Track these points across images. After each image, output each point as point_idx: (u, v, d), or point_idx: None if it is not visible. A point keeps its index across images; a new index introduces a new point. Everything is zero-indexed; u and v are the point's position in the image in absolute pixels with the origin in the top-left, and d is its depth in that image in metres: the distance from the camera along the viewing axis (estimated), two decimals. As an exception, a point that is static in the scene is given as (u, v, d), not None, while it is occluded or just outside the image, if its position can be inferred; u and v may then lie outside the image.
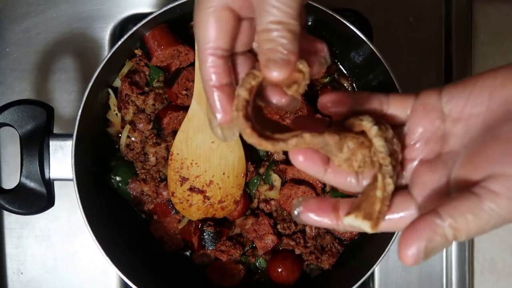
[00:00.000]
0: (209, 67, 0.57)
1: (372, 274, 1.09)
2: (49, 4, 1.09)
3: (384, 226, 0.57)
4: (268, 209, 1.00)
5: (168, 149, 0.96)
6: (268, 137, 0.54)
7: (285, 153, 1.00)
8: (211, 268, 1.01)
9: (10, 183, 1.06)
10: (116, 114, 1.00)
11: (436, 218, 0.50)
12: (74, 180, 0.88)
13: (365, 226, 0.56)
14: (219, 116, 0.58)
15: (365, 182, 0.60)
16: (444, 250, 1.09)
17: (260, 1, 0.54)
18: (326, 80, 1.01)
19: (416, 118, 0.58)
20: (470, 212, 0.50)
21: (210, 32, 0.57)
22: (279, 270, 0.99)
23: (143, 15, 0.92)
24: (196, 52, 0.87)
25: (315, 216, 0.58)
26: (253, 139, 0.53)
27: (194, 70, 0.89)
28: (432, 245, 0.51)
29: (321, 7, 0.87)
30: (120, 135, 1.00)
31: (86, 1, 1.09)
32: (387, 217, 0.57)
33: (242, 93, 0.55)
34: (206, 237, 0.97)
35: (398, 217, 0.57)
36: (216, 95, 0.57)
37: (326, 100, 0.59)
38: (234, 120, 0.55)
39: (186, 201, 0.96)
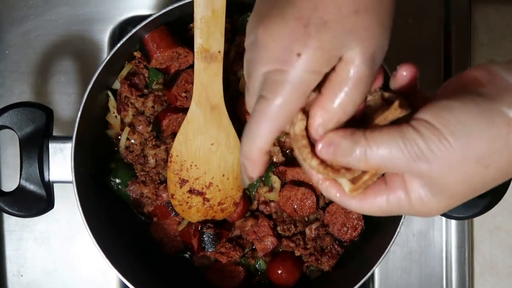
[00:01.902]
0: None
1: (372, 275, 1.09)
2: (48, 6, 1.09)
3: (357, 199, 0.62)
4: (268, 211, 1.00)
5: (167, 151, 0.96)
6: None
7: (284, 154, 1.00)
8: (211, 270, 1.01)
9: (9, 186, 1.06)
10: (116, 116, 1.00)
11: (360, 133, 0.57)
12: (74, 182, 0.88)
13: (346, 186, 0.60)
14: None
15: None
16: (445, 251, 1.09)
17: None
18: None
19: None
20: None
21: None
22: (279, 272, 0.99)
23: (142, 17, 0.92)
24: (195, 54, 0.87)
25: None
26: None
27: (193, 72, 0.89)
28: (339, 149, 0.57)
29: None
30: (119, 137, 1.00)
31: (85, 3, 1.09)
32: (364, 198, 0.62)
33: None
34: (205, 239, 0.97)
35: (371, 200, 0.62)
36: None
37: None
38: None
39: (185, 203, 0.96)
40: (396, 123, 0.58)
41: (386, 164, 0.57)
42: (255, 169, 0.63)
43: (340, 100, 0.57)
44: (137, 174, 1.00)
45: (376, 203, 0.62)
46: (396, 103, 0.58)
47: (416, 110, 0.59)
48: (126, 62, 0.98)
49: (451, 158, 0.55)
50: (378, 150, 0.56)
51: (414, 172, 0.57)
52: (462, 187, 0.57)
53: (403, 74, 0.62)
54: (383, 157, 0.56)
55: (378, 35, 0.57)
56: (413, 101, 0.61)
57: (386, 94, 0.61)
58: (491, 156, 0.55)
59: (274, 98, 0.57)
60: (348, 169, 0.59)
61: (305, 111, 0.59)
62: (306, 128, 0.60)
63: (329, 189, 0.63)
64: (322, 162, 0.59)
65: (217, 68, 0.87)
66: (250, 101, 0.62)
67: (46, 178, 0.89)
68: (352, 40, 0.56)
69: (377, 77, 0.61)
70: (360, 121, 0.62)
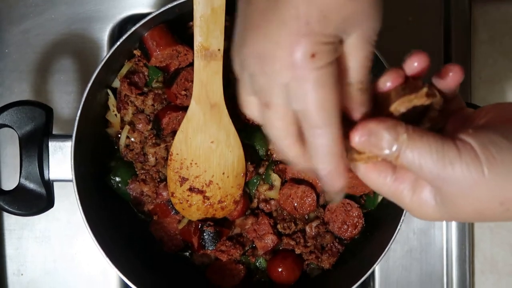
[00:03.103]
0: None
1: (373, 273, 1.09)
2: (48, 5, 1.09)
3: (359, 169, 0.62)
4: (268, 209, 1.00)
5: (167, 149, 0.96)
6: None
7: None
8: (211, 269, 1.01)
9: (9, 184, 1.06)
10: (115, 114, 1.00)
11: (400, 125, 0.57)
12: (74, 181, 0.88)
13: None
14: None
15: None
16: (445, 249, 1.09)
17: None
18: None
19: None
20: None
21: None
22: (279, 270, 0.99)
23: (141, 16, 0.92)
24: (195, 52, 0.87)
25: None
26: None
27: (193, 70, 0.89)
28: (374, 140, 0.57)
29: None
30: (119, 135, 1.00)
31: (85, 2, 1.09)
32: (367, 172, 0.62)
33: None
34: (206, 237, 0.97)
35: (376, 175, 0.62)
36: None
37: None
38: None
39: (185, 201, 0.96)
40: (424, 114, 0.59)
41: (414, 167, 0.57)
42: (341, 177, 0.61)
43: (360, 78, 0.59)
44: (137, 173, 1.00)
45: (379, 181, 0.61)
46: (425, 90, 0.58)
47: (449, 114, 0.60)
48: (126, 61, 0.98)
49: (478, 191, 0.55)
50: (414, 154, 0.56)
51: (434, 184, 0.57)
52: (472, 214, 0.58)
53: (414, 65, 0.62)
54: (414, 162, 0.56)
55: (373, 14, 0.57)
56: (450, 104, 0.62)
57: (417, 81, 0.61)
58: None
59: (313, 107, 0.56)
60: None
61: None
62: None
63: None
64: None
65: (217, 66, 0.87)
66: (272, 116, 0.60)
67: (46, 177, 0.89)
68: (351, 26, 0.56)
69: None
70: (381, 100, 0.61)
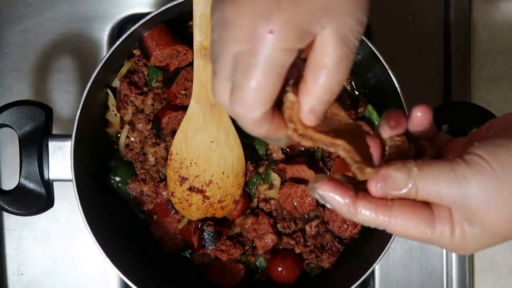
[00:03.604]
0: None
1: (373, 272, 1.09)
2: (47, 4, 1.09)
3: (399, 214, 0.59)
4: (268, 208, 1.00)
5: (167, 149, 0.96)
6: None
7: (284, 152, 1.00)
8: (211, 268, 1.01)
9: (9, 184, 1.06)
10: (115, 114, 1.00)
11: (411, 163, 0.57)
12: (74, 180, 0.88)
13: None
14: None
15: None
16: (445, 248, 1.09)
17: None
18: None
19: None
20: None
21: None
22: (279, 269, 0.99)
23: (141, 15, 0.92)
24: (195, 52, 0.87)
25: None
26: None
27: (192, 69, 0.89)
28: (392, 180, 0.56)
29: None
30: (119, 135, 1.00)
31: (84, 2, 1.09)
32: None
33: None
34: (206, 236, 0.97)
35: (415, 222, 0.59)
36: None
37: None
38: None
39: (185, 201, 0.96)
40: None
41: (433, 197, 0.56)
42: (273, 130, 0.58)
43: (323, 83, 0.55)
44: (137, 172, 1.00)
45: (418, 228, 0.59)
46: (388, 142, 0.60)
47: (441, 151, 0.60)
48: (126, 60, 0.98)
49: (499, 196, 0.54)
50: (429, 183, 0.56)
51: (459, 207, 0.56)
52: (506, 224, 0.56)
53: (418, 115, 0.61)
54: (431, 191, 0.56)
55: (350, 11, 0.55)
56: (436, 140, 0.62)
57: (397, 139, 0.61)
58: None
59: (248, 84, 0.54)
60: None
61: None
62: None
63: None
64: (307, 128, 0.57)
65: (217, 66, 0.87)
66: (219, 85, 0.57)
67: (46, 177, 0.89)
68: (323, 16, 0.53)
69: (399, 122, 0.61)
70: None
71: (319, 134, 0.57)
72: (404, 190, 0.56)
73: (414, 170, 0.56)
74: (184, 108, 0.93)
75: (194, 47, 0.86)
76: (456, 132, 0.85)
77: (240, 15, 0.53)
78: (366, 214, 0.58)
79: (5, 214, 1.09)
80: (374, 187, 0.58)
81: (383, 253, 0.89)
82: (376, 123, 0.97)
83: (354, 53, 0.56)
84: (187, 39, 0.95)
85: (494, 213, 0.55)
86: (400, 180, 0.57)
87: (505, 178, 0.54)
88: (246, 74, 0.54)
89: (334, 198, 0.58)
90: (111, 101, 0.99)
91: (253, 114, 0.55)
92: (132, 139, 0.99)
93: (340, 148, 0.57)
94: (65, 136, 0.90)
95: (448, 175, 0.55)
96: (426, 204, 0.58)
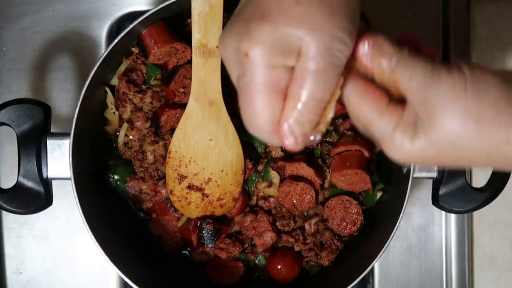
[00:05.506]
0: None
1: (372, 270, 1.09)
2: (45, 3, 1.09)
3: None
4: (267, 206, 1.00)
5: (166, 147, 0.96)
6: None
7: (283, 149, 1.00)
8: (210, 266, 1.01)
9: (7, 183, 1.06)
10: (114, 112, 1.00)
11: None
12: (72, 179, 0.88)
13: None
14: None
15: None
16: (444, 246, 1.09)
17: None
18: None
19: None
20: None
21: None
22: (279, 267, 0.99)
23: (139, 13, 0.92)
24: (193, 49, 0.87)
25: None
26: None
27: (191, 67, 0.89)
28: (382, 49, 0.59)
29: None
30: (118, 133, 1.00)
31: (83, 0, 1.09)
32: None
33: None
34: (205, 234, 0.97)
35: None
36: None
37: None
38: None
39: (184, 199, 0.96)
40: None
41: (405, 79, 0.58)
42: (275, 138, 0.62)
43: (308, 94, 0.57)
44: (136, 171, 0.99)
45: (369, 106, 0.61)
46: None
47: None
48: (124, 58, 0.98)
49: (456, 106, 0.57)
50: (408, 67, 0.58)
51: (418, 99, 0.58)
52: (448, 138, 0.58)
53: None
54: (406, 74, 0.58)
55: (329, 25, 0.56)
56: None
57: None
58: (485, 123, 0.57)
59: (248, 105, 0.58)
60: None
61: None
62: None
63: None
64: None
65: (215, 63, 0.87)
66: None
67: (44, 175, 0.89)
68: (298, 29, 0.55)
69: None
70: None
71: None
72: (385, 63, 0.59)
73: (405, 51, 0.59)
74: (183, 106, 0.93)
75: (193, 45, 0.86)
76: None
77: (224, 49, 0.60)
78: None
79: (3, 212, 1.09)
80: (362, 46, 0.59)
81: (382, 250, 0.89)
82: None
83: (336, 66, 0.57)
84: (185, 37, 0.95)
85: (444, 124, 0.58)
86: (388, 50, 0.59)
87: (470, 94, 0.57)
88: (245, 96, 0.59)
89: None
90: (110, 99, 0.99)
91: (262, 135, 0.60)
92: (130, 137, 0.99)
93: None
94: (63, 135, 0.89)
95: (429, 68, 0.58)
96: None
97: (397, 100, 0.61)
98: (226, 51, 0.59)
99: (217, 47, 0.81)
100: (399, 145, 0.60)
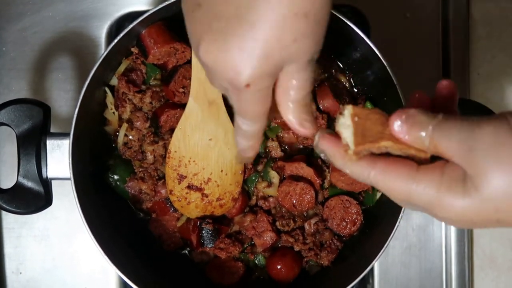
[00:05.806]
0: None
1: (372, 270, 1.09)
2: (45, 3, 1.09)
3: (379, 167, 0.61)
4: (267, 206, 1.00)
5: (165, 147, 0.96)
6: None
7: (283, 149, 1.00)
8: (210, 266, 1.01)
9: (7, 183, 1.06)
10: (113, 112, 1.00)
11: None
12: (72, 179, 0.88)
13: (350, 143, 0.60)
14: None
15: None
16: (444, 245, 1.08)
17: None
18: (324, 76, 1.01)
19: None
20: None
21: None
22: (278, 267, 0.99)
23: (139, 13, 0.92)
24: (193, 50, 0.86)
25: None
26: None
27: (191, 67, 0.89)
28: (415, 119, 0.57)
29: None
30: (117, 133, 1.00)
31: (82, 0, 1.09)
32: None
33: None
34: (205, 234, 0.97)
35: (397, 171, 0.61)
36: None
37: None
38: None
39: (184, 199, 0.96)
40: None
41: (444, 144, 0.56)
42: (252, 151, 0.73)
43: (296, 102, 0.65)
44: (136, 171, 0.99)
45: (400, 178, 0.59)
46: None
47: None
48: (124, 58, 0.98)
49: (506, 150, 0.53)
50: (445, 129, 0.56)
51: (461, 154, 0.56)
52: (503, 186, 0.54)
53: (443, 84, 0.65)
54: (444, 137, 0.56)
55: (312, 47, 0.60)
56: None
57: None
58: None
59: (243, 118, 0.67)
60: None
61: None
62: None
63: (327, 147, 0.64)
64: None
65: (215, 63, 0.87)
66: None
67: (44, 175, 0.89)
68: (289, 60, 0.60)
69: None
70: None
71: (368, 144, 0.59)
72: (423, 133, 0.57)
73: (439, 117, 0.57)
74: (183, 106, 0.93)
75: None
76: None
77: (216, 66, 0.62)
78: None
79: (3, 213, 1.09)
80: (395, 123, 0.58)
81: (382, 250, 0.89)
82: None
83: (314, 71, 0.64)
84: (185, 37, 0.94)
85: (496, 174, 0.54)
86: (423, 121, 0.57)
87: None
88: (238, 104, 0.66)
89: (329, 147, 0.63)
90: (109, 99, 0.99)
91: (255, 127, 0.69)
92: (130, 137, 0.99)
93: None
94: (63, 135, 0.89)
95: (467, 121, 0.56)
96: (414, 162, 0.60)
97: (426, 162, 0.59)
98: (218, 68, 0.61)
99: None
100: (448, 203, 0.57)
